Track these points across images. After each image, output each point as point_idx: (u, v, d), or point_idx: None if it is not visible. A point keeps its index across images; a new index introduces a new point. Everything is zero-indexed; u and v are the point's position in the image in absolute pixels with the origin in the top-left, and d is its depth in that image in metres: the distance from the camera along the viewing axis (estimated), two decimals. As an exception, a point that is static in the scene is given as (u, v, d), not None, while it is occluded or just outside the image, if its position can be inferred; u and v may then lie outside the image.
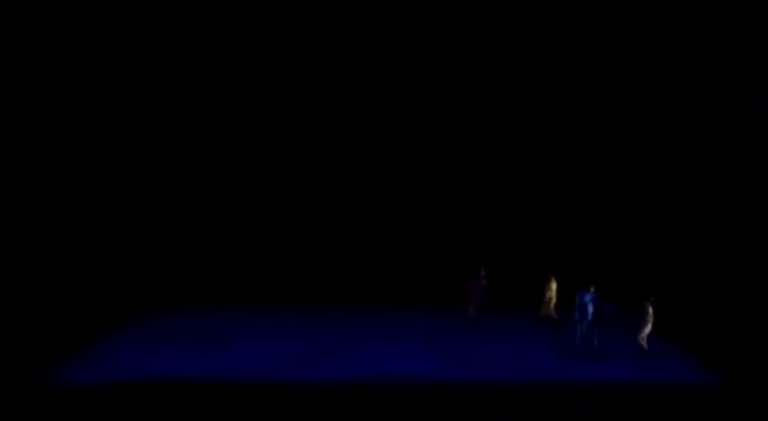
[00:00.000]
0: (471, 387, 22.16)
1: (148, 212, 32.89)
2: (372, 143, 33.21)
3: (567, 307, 27.93)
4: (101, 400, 20.96)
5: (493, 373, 23.41)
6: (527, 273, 31.84)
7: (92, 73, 32.33)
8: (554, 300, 28.84)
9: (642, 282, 32.44)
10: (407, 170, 33.31)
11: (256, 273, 32.89)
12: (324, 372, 23.38)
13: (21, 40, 31.62)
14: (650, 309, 24.90)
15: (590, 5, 32.52)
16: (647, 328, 24.89)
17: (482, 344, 26.66)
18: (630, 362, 24.49)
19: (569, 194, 33.19)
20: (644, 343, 24.87)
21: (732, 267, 31.49)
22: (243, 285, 32.77)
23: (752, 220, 32.03)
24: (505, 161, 33.23)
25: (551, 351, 25.63)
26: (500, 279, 30.46)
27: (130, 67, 32.46)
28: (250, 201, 33.18)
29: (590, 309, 25.62)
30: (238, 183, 33.14)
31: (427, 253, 33.32)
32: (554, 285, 29.02)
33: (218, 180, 33.13)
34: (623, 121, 33.00)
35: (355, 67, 32.98)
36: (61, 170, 32.24)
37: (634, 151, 32.99)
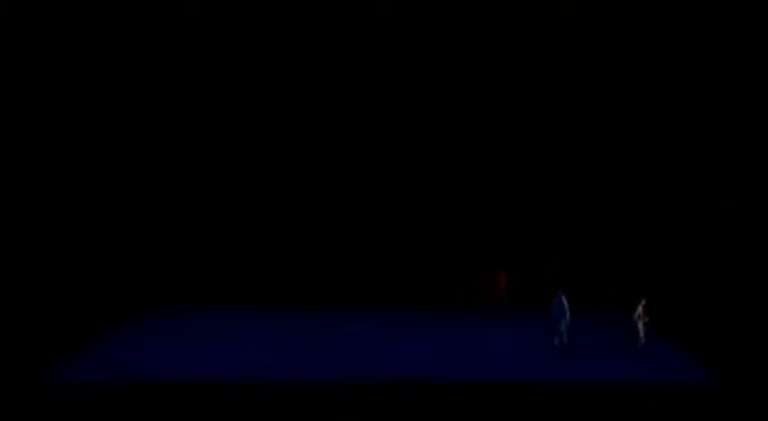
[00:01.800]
0: (473, 387, 22.15)
1: (148, 212, 32.87)
2: (372, 144, 33.20)
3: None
4: (99, 400, 20.95)
5: (494, 373, 23.39)
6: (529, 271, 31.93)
7: (91, 72, 32.32)
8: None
9: (641, 280, 32.48)
10: (407, 169, 33.29)
11: (256, 273, 32.86)
12: (324, 373, 23.37)
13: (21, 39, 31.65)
14: (641, 312, 25.17)
15: (590, 5, 32.52)
16: (639, 330, 25.24)
17: (484, 342, 26.64)
18: (629, 362, 24.47)
19: (569, 193, 33.16)
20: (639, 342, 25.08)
21: (730, 266, 31.48)
22: (243, 286, 32.75)
23: (750, 220, 32.03)
24: (508, 159, 33.21)
25: (552, 351, 25.62)
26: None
27: (130, 66, 32.46)
28: (250, 201, 33.14)
29: (565, 308, 25.47)
30: (239, 183, 33.11)
31: (428, 251, 33.33)
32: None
33: (219, 180, 33.08)
34: (622, 121, 32.98)
35: (350, 66, 32.96)
36: (61, 170, 32.23)
37: (633, 150, 32.96)
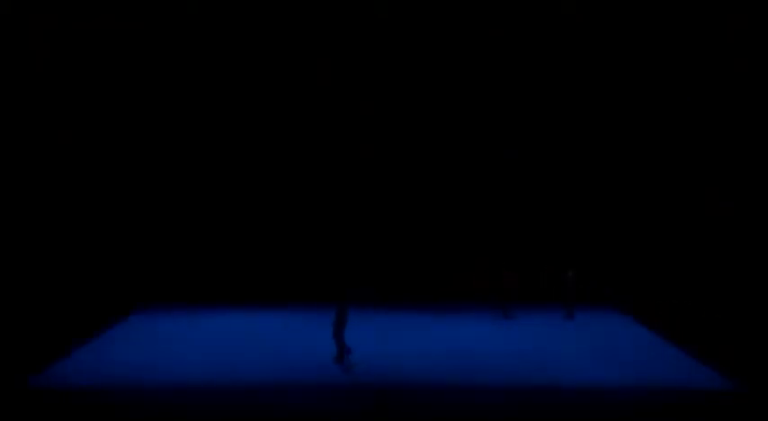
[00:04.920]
0: (475, 389, 22.14)
1: (148, 212, 32.86)
2: (372, 144, 33.22)
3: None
4: (98, 402, 20.91)
5: (491, 376, 23.37)
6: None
7: (91, 72, 32.33)
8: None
9: (641, 280, 32.52)
10: (407, 169, 33.30)
11: (256, 273, 32.85)
12: (323, 374, 23.37)
13: (21, 39, 31.65)
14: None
15: (590, 5, 32.55)
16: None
17: (486, 343, 26.65)
18: (637, 368, 24.43)
19: (569, 192, 33.19)
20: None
21: (731, 266, 31.51)
22: (242, 286, 32.73)
23: (750, 220, 32.09)
24: (508, 159, 33.23)
25: (556, 353, 25.63)
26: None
27: (130, 66, 32.46)
28: (249, 201, 33.14)
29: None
30: (239, 183, 33.11)
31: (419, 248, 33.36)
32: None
33: (220, 179, 33.07)
34: (623, 120, 33.02)
35: (350, 66, 32.97)
36: (60, 169, 32.22)
37: (634, 150, 33.00)
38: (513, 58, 32.93)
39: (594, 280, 32.55)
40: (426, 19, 32.71)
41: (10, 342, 25.72)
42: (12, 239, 31.29)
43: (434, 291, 32.86)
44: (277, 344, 25.81)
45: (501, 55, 32.90)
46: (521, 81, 33.00)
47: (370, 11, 32.61)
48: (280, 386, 22.19)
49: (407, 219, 33.27)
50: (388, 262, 33.11)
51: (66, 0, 31.81)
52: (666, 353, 25.79)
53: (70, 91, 32.18)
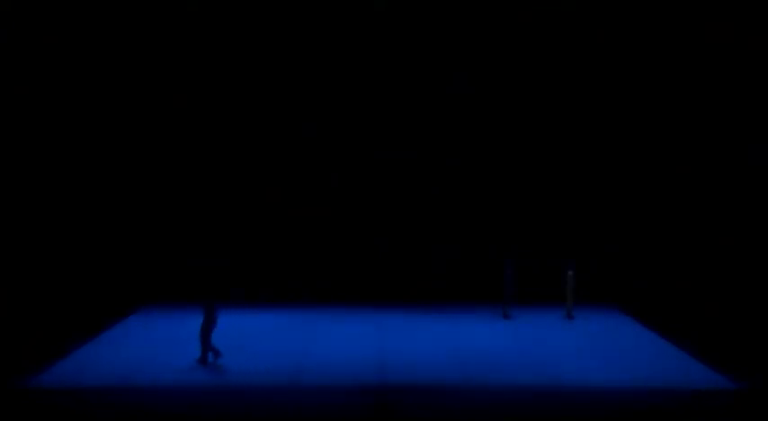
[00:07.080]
0: (476, 390, 22.12)
1: (148, 212, 32.82)
2: (371, 143, 33.21)
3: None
4: (98, 402, 20.87)
5: (491, 375, 23.36)
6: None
7: (92, 73, 32.32)
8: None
9: (644, 279, 32.53)
10: (407, 168, 33.26)
11: (255, 273, 32.80)
12: (325, 373, 23.36)
13: (21, 39, 31.65)
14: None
15: (590, 5, 32.55)
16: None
17: (487, 343, 26.64)
18: (637, 368, 24.38)
19: (570, 191, 33.16)
20: None
21: (748, 269, 31.51)
22: (241, 286, 32.68)
23: (750, 220, 32.12)
24: (508, 158, 33.20)
25: (561, 352, 25.60)
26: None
27: (129, 67, 32.44)
28: (247, 200, 33.08)
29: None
30: (238, 182, 33.07)
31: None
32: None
33: (221, 178, 33.03)
34: (622, 121, 33.02)
35: (349, 65, 32.96)
36: (60, 169, 32.21)
37: (634, 150, 32.99)
38: (513, 59, 32.91)
39: (595, 279, 32.50)
40: (425, 19, 32.73)
41: (10, 342, 25.70)
42: (11, 239, 31.27)
43: (434, 291, 32.81)
44: (276, 344, 25.78)
45: (501, 54, 32.89)
46: (520, 82, 32.97)
47: (368, 9, 32.62)
48: (279, 386, 22.17)
49: (407, 218, 33.21)
50: (387, 261, 33.06)
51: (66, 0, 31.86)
52: (666, 352, 25.77)
53: (69, 89, 32.15)
